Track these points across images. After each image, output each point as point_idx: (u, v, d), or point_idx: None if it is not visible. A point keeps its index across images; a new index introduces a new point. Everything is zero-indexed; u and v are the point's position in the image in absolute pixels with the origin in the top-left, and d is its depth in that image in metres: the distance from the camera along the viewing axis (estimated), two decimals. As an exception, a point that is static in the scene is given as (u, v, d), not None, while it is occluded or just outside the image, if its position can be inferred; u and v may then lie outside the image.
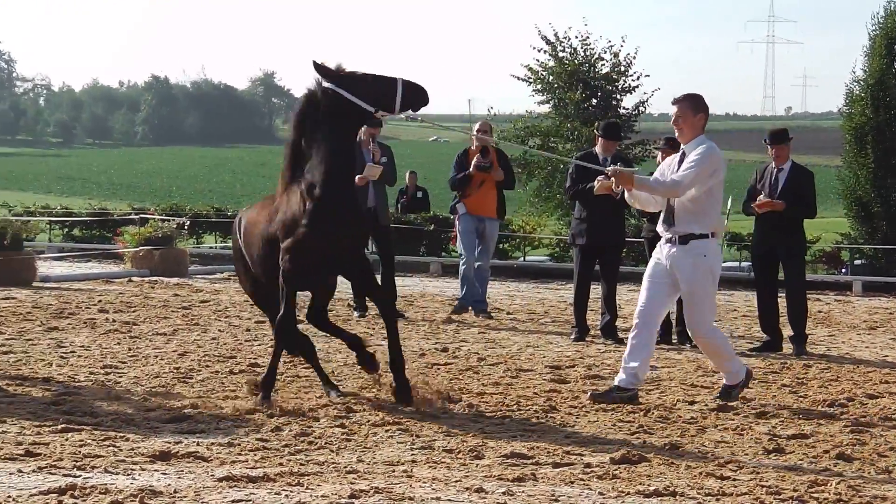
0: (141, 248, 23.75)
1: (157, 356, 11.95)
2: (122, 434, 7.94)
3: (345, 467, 7.13)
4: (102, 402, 9.13)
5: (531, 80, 39.50)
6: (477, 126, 16.89)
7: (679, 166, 10.07)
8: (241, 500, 6.18)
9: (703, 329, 10.11)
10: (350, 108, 9.25)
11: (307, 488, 6.52)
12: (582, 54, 39.18)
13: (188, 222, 27.70)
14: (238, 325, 15.08)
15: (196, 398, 9.44)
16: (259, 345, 13.10)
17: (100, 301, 17.30)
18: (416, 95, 9.33)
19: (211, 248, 31.69)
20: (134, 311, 16.17)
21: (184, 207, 34.58)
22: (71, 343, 12.70)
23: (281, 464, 7.19)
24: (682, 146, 10.20)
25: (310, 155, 9.38)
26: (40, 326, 14.06)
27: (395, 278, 16.90)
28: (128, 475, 6.74)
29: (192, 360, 11.69)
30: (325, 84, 9.28)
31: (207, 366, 11.39)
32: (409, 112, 9.58)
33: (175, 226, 24.99)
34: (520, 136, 38.54)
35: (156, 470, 6.92)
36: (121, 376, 10.45)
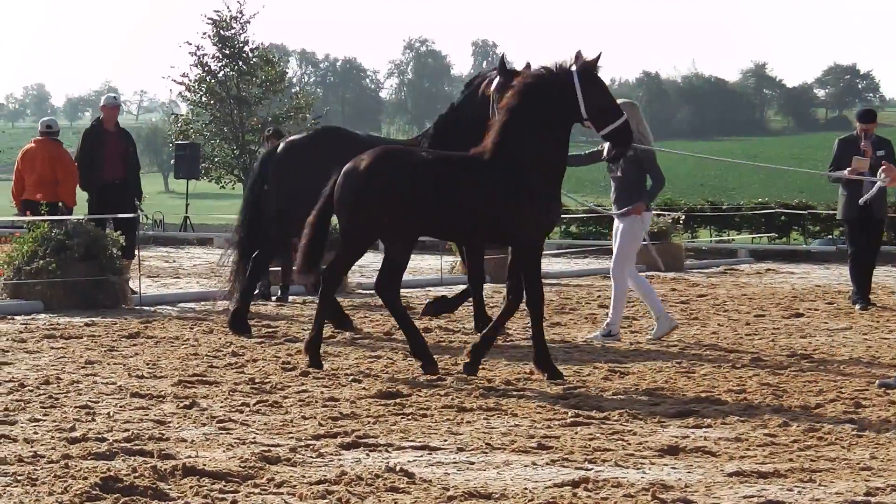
0: (637, 243, 23.99)
1: (658, 350, 12.02)
2: (629, 428, 8.04)
3: (857, 464, 6.93)
4: (609, 397, 9.28)
5: None
6: None
7: None
8: (752, 496, 6.12)
9: None
10: (571, 102, 9.84)
11: (820, 485, 6.39)
12: None
13: (683, 217, 27.76)
14: (737, 318, 14.96)
15: (700, 393, 9.44)
16: (759, 339, 12.94)
17: (598, 297, 17.58)
18: (622, 137, 10.07)
19: (707, 242, 31.65)
20: (632, 307, 16.31)
21: (678, 202, 34.69)
22: (573, 338, 12.96)
23: (790, 459, 7.08)
24: None
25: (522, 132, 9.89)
26: (544, 322, 14.39)
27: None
28: (638, 469, 6.81)
29: (692, 355, 11.69)
30: (573, 70, 9.82)
31: (709, 360, 11.36)
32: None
33: (670, 220, 25.12)
34: None
35: (665, 464, 6.96)
36: (624, 371, 10.58)
